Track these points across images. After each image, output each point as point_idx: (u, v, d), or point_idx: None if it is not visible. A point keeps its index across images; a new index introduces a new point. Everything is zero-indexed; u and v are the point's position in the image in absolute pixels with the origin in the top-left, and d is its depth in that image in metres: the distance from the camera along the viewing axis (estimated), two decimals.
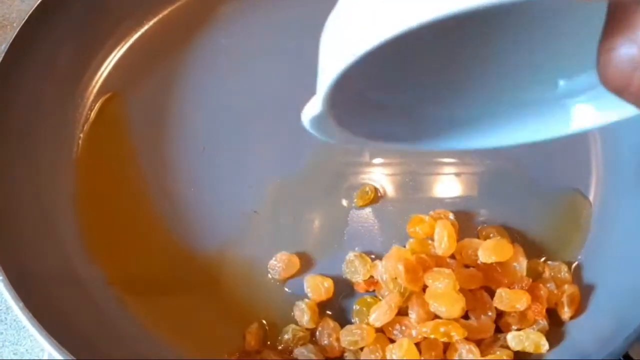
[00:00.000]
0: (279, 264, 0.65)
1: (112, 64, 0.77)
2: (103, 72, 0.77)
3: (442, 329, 0.59)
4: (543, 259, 0.66)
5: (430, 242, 0.65)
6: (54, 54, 0.72)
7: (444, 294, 0.60)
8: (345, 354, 0.61)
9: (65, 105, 0.74)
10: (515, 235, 0.68)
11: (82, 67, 0.76)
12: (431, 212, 0.68)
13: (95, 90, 0.76)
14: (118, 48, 0.78)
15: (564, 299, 0.62)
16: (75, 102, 0.75)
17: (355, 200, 0.69)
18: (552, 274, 0.65)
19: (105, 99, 0.76)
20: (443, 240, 0.64)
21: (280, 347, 0.62)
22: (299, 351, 0.60)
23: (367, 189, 0.70)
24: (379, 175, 0.71)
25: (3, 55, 0.66)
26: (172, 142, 0.73)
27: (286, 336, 0.62)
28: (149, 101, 0.76)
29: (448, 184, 0.71)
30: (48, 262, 0.65)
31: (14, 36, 0.67)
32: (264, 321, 0.64)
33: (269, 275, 0.66)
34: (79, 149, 0.73)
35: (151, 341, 0.64)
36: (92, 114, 0.75)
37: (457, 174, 0.72)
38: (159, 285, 0.67)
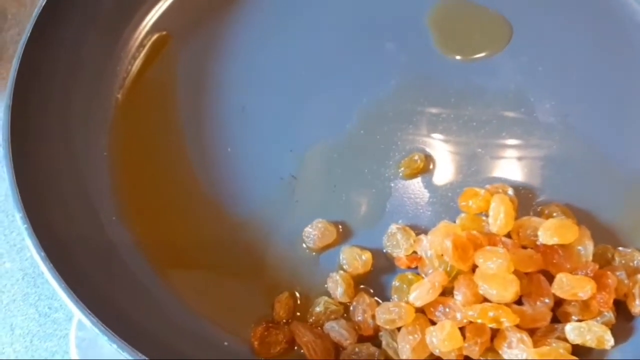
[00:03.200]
0: (314, 232, 0.60)
1: (154, 19, 0.74)
2: (145, 25, 0.74)
3: (491, 314, 0.52)
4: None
5: (484, 218, 0.59)
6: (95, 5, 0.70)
7: (495, 275, 0.54)
8: (380, 334, 0.56)
9: (105, 60, 0.71)
10: (581, 217, 0.60)
11: (124, 18, 0.73)
12: (487, 186, 0.61)
13: (136, 44, 0.73)
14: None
15: (636, 290, 0.54)
16: (114, 57, 0.72)
17: (402, 169, 0.63)
18: (623, 261, 0.57)
19: (148, 51, 0.72)
20: (499, 217, 0.57)
21: (310, 320, 0.57)
22: (329, 325, 0.56)
23: (417, 157, 0.63)
24: (432, 145, 0.65)
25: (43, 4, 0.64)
26: (211, 99, 0.69)
27: (317, 309, 0.57)
28: (191, 57, 0.72)
29: (508, 158, 0.64)
30: (80, 226, 0.62)
31: None
32: (296, 292, 0.59)
33: (304, 244, 0.61)
34: (117, 104, 0.70)
35: (179, 307, 0.61)
36: (133, 69, 0.72)
37: (519, 147, 0.65)
38: (190, 250, 0.63)
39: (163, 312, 0.59)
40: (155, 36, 0.73)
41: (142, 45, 0.72)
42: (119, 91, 0.70)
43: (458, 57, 0.70)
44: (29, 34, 0.62)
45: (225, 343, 0.58)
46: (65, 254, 0.57)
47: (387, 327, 0.54)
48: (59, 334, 0.71)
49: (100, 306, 0.54)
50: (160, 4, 0.74)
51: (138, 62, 0.72)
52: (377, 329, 0.56)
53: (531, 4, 0.71)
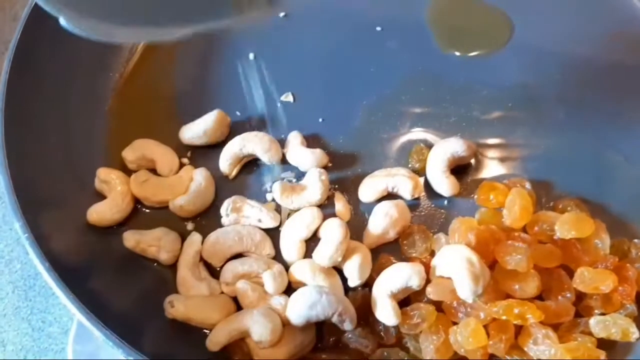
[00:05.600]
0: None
1: None
2: None
3: (516, 310, 0.51)
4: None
5: (505, 213, 0.58)
6: None
7: (517, 270, 0.53)
8: (404, 340, 0.54)
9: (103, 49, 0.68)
10: (594, 211, 0.60)
11: None
12: (506, 180, 0.60)
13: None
14: None
15: None
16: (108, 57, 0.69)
17: (411, 161, 0.62)
18: None
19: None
20: (513, 210, 0.57)
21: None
22: (347, 337, 0.54)
23: (422, 146, 0.63)
24: (434, 136, 0.65)
25: None
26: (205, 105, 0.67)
27: None
28: (190, 56, 0.70)
29: (516, 153, 0.64)
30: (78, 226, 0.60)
31: None
32: None
33: None
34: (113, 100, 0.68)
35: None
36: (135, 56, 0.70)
37: (526, 143, 0.64)
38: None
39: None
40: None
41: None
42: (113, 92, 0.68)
43: (458, 54, 0.69)
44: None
45: None
46: (67, 262, 0.54)
47: (411, 332, 0.53)
48: (55, 349, 0.68)
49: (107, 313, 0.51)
50: None
51: (136, 54, 0.70)
52: (400, 336, 0.54)
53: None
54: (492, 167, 0.63)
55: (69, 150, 0.62)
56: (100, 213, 0.59)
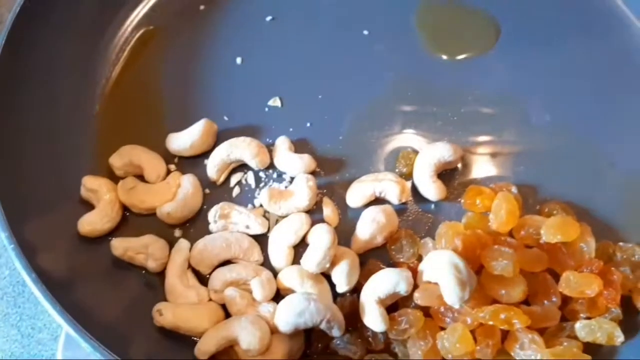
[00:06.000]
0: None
1: (141, 14, 0.72)
2: (131, 20, 0.71)
3: (502, 315, 0.52)
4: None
5: (491, 217, 0.58)
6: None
7: (503, 275, 0.53)
8: (393, 346, 0.54)
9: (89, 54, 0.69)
10: (580, 214, 0.60)
11: (109, 13, 0.70)
12: (492, 185, 0.61)
13: (121, 40, 0.70)
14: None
15: None
16: (99, 54, 0.69)
17: (398, 166, 0.63)
18: (625, 256, 0.57)
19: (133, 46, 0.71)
20: (499, 214, 0.57)
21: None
22: (335, 343, 0.54)
23: (409, 151, 0.63)
24: (424, 145, 0.65)
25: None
26: (196, 100, 0.67)
27: None
28: (177, 54, 0.70)
29: (502, 157, 0.64)
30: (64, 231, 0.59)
31: None
32: None
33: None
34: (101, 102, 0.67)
35: None
36: (117, 66, 0.69)
37: (513, 145, 0.65)
38: None
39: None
40: (141, 31, 0.71)
41: (127, 41, 0.70)
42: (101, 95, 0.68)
43: (445, 57, 0.70)
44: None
45: None
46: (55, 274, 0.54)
47: (399, 337, 0.53)
48: (45, 355, 0.68)
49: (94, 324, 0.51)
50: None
51: (123, 59, 0.70)
52: (388, 342, 0.54)
53: (519, 2, 0.71)
54: (478, 171, 0.63)
55: (55, 157, 0.62)
56: (92, 224, 0.59)
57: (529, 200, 0.62)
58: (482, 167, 0.64)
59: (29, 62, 0.63)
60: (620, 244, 0.58)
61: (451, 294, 0.51)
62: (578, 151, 0.64)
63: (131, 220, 0.62)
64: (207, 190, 0.63)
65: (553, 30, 0.70)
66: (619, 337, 0.52)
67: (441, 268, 0.52)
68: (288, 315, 0.52)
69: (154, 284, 0.59)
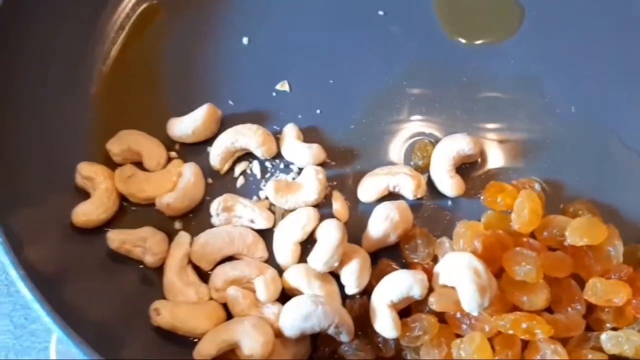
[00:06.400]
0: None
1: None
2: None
3: (524, 325, 0.48)
4: None
5: (513, 217, 0.54)
6: None
7: (525, 280, 0.50)
8: (404, 353, 0.51)
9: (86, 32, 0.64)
10: (606, 213, 0.56)
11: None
12: (514, 181, 0.57)
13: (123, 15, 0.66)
14: None
15: None
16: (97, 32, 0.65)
17: (414, 158, 0.59)
18: None
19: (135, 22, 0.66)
20: (522, 214, 0.53)
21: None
22: (343, 349, 0.51)
23: (426, 142, 0.59)
24: (443, 133, 0.61)
25: None
26: (199, 85, 0.63)
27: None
28: (181, 33, 0.66)
29: (524, 149, 0.60)
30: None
31: None
32: None
33: None
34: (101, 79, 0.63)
35: None
36: (118, 42, 0.65)
37: (536, 138, 0.61)
38: None
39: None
40: (143, 6, 0.67)
41: (128, 17, 0.66)
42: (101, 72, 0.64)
43: (465, 42, 0.65)
44: None
45: None
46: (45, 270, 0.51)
47: (412, 345, 0.50)
48: (38, 347, 0.65)
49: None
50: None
51: (123, 37, 0.65)
52: (399, 349, 0.51)
53: None
54: (499, 165, 0.60)
55: (48, 142, 0.58)
56: (87, 214, 0.55)
57: (552, 197, 0.58)
58: (503, 160, 0.60)
59: (20, 39, 0.59)
60: None
61: (470, 301, 0.48)
62: (606, 144, 0.60)
63: (129, 211, 0.58)
64: (210, 180, 0.59)
65: (582, 16, 0.66)
66: None
67: (459, 272, 0.49)
68: (294, 319, 0.49)
69: (152, 279, 0.55)
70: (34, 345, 0.65)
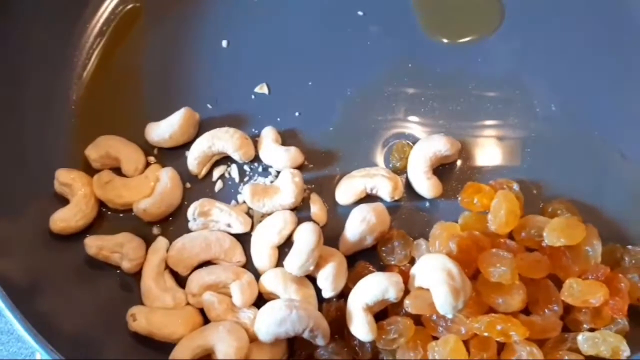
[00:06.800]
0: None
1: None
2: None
3: (499, 327, 0.48)
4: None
5: (490, 218, 0.54)
6: None
7: (501, 282, 0.49)
8: (381, 356, 0.51)
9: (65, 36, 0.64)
10: (586, 212, 0.56)
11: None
12: (491, 181, 0.56)
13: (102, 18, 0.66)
14: None
15: None
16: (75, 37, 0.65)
17: (392, 160, 0.58)
18: (634, 261, 0.53)
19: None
20: (499, 215, 0.53)
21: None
22: (319, 353, 0.51)
23: (404, 143, 0.59)
24: (421, 134, 0.60)
25: None
26: (180, 88, 0.63)
27: None
28: (163, 36, 0.66)
29: (504, 149, 0.60)
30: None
31: None
32: None
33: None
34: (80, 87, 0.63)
35: None
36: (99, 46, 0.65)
37: (516, 137, 0.60)
38: None
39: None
40: (121, 10, 0.67)
41: (107, 22, 0.66)
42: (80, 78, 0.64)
43: (446, 41, 0.65)
44: None
45: None
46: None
47: (388, 347, 0.49)
48: (25, 352, 0.65)
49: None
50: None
51: (102, 43, 0.65)
52: (376, 352, 0.51)
53: None
54: (478, 166, 0.59)
55: (26, 148, 0.59)
56: (65, 220, 0.55)
57: (532, 197, 0.57)
58: (482, 161, 0.59)
59: None
60: (630, 247, 0.54)
61: (443, 303, 0.48)
62: (586, 142, 0.60)
63: (108, 217, 0.58)
64: (188, 185, 0.59)
65: (562, 12, 0.65)
66: (625, 351, 0.48)
67: (433, 274, 0.49)
68: (268, 325, 0.49)
69: (131, 285, 0.55)
70: (20, 350, 0.65)
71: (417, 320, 0.51)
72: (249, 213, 0.57)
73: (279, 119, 0.62)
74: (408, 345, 0.50)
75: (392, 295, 0.50)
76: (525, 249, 0.53)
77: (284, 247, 0.55)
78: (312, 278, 0.54)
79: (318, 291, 0.53)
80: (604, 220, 0.56)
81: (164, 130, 0.59)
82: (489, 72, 0.63)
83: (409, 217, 0.57)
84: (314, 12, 0.66)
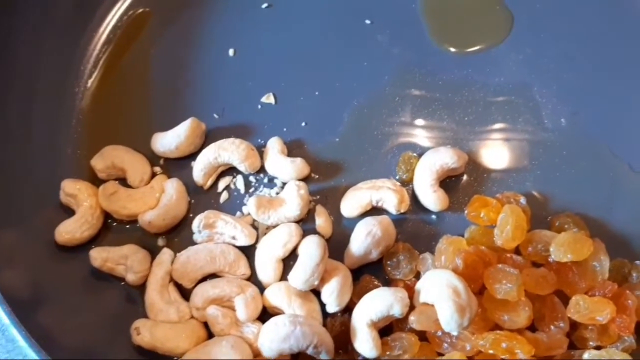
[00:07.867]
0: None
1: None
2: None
3: (504, 345, 0.47)
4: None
5: (496, 232, 0.53)
6: None
7: (507, 299, 0.49)
8: None
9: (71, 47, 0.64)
10: (594, 227, 0.55)
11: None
12: (498, 195, 0.56)
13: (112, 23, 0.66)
14: None
15: None
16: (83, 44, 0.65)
17: (399, 172, 0.58)
18: None
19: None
20: (505, 230, 0.52)
21: None
22: None
23: (410, 155, 0.58)
24: (429, 144, 0.60)
25: None
26: (188, 96, 0.63)
27: None
28: (171, 41, 0.66)
29: (512, 161, 0.60)
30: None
31: None
32: None
33: None
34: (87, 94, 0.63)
35: None
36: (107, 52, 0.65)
37: (524, 149, 0.60)
38: None
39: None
40: (128, 18, 0.67)
41: (114, 31, 0.66)
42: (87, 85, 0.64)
43: (453, 50, 0.64)
44: None
45: None
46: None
47: None
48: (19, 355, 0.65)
49: None
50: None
51: (108, 52, 0.65)
52: None
53: None
54: (485, 178, 0.59)
55: (32, 158, 0.59)
56: (70, 232, 0.55)
57: (539, 210, 0.57)
58: (489, 173, 0.59)
59: (5, 55, 0.59)
60: (638, 262, 0.53)
61: (449, 321, 0.47)
62: (595, 155, 0.59)
63: (113, 228, 0.58)
64: (194, 196, 0.59)
65: (571, 22, 0.64)
66: None
67: (439, 290, 0.48)
68: (272, 341, 0.49)
69: (135, 298, 0.55)
70: (14, 350, 0.65)
71: (422, 336, 0.51)
72: (254, 224, 0.57)
73: (285, 129, 0.61)
74: None
75: (397, 311, 0.49)
76: (531, 264, 0.53)
77: (289, 260, 0.55)
78: (316, 292, 0.54)
79: (322, 305, 0.53)
80: (612, 234, 0.56)
81: (170, 140, 0.59)
82: (497, 82, 0.62)
83: (415, 230, 0.57)
84: (321, 22, 0.66)
